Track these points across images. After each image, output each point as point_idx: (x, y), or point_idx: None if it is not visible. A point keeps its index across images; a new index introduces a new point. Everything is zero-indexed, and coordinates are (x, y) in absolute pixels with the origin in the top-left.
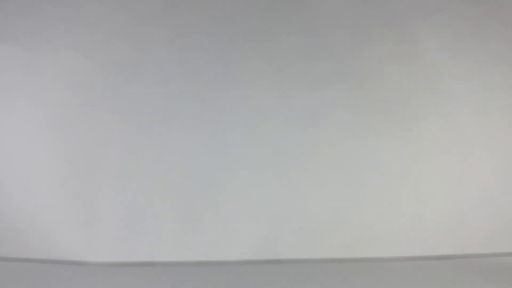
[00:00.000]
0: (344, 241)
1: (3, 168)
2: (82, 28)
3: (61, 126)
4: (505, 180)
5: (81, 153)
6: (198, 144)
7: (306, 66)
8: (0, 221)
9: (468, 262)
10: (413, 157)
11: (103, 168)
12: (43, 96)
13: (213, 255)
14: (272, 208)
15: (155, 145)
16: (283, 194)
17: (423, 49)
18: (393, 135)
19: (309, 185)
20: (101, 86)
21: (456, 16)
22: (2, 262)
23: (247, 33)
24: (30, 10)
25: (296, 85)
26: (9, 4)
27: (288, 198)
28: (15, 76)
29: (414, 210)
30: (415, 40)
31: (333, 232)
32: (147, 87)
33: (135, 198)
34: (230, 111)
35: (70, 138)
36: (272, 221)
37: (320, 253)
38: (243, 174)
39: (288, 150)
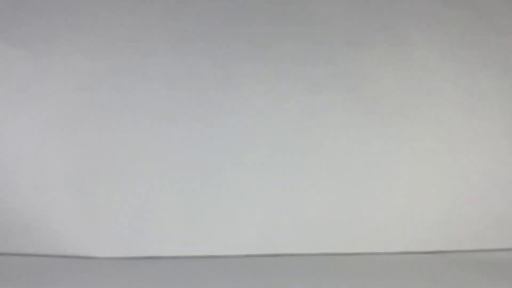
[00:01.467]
0: (339, 237)
1: (14, 167)
2: (90, 34)
3: (69, 127)
4: (495, 178)
5: (88, 152)
6: (200, 144)
7: (303, 70)
8: (10, 218)
9: (458, 257)
10: (406, 157)
11: (109, 167)
12: (52, 97)
13: (215, 250)
14: (271, 205)
15: (159, 144)
16: (281, 192)
17: (415, 53)
18: (386, 136)
19: (306, 184)
20: (108, 89)
21: (447, 22)
22: (12, 258)
23: (247, 39)
24: (39, 16)
25: (293, 88)
26: (19, 11)
27: (286, 196)
28: (25, 79)
29: (406, 207)
30: (408, 45)
31: (329, 228)
32: (152, 90)
33: (140, 195)
34: (231, 113)
35: (78, 138)
36: (271, 217)
37: (317, 248)
38: (243, 172)
39: (286, 150)
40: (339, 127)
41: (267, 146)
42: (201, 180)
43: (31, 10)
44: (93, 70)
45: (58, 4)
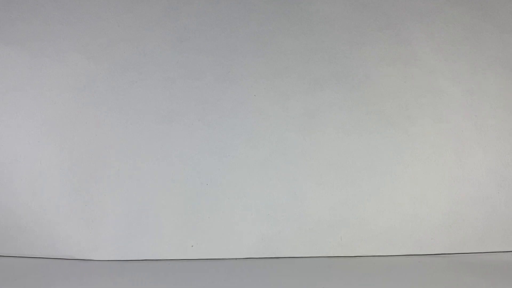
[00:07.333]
0: (341, 239)
1: (10, 168)
2: (87, 32)
3: (66, 127)
4: (499, 180)
5: (85, 153)
6: (199, 144)
7: (304, 69)
8: (7, 220)
9: (462, 259)
10: (409, 157)
11: (107, 168)
12: (49, 97)
13: (214, 253)
14: (271, 207)
15: (158, 145)
16: (281, 194)
17: (418, 52)
18: (389, 136)
19: (307, 185)
20: (105, 88)
21: (450, 20)
22: (9, 260)
23: (247, 37)
24: (35, 14)
25: (294, 87)
26: (14, 9)
27: (286, 197)
28: (21, 78)
29: (409, 209)
30: (410, 43)
31: (330, 230)
32: (149, 89)
33: (138, 197)
34: (230, 112)
35: (75, 138)
36: (271, 220)
37: (318, 251)
38: (243, 173)
39: (286, 150)
40: (341, 127)
41: (267, 147)
42: (199, 182)
43: (26, 8)
44: (90, 69)
45: (54, 2)
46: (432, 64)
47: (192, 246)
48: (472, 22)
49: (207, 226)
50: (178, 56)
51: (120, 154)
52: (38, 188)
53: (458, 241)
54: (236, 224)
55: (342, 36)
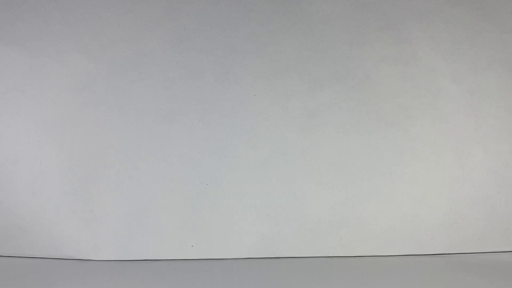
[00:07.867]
0: (341, 240)
1: (10, 168)
2: (87, 32)
3: (66, 127)
4: (499, 180)
5: (85, 153)
6: (199, 144)
7: (304, 69)
8: (7, 220)
9: (462, 259)
10: (409, 157)
11: (107, 168)
12: (49, 97)
13: (214, 253)
14: (271, 207)
15: (158, 145)
16: (281, 194)
17: (418, 52)
18: (389, 136)
19: (307, 185)
20: (105, 88)
21: (450, 20)
22: (9, 260)
23: (247, 37)
24: (35, 14)
25: (294, 86)
26: (14, 9)
27: (286, 197)
28: (21, 78)
29: (409, 209)
30: (410, 43)
31: (330, 230)
32: (149, 89)
33: (138, 197)
34: (230, 112)
35: (75, 138)
36: (271, 220)
37: (318, 251)
38: (243, 173)
39: (286, 150)
40: (341, 127)
41: (267, 147)
42: (199, 182)
43: (26, 8)
44: (90, 69)
45: (54, 2)
46: (432, 64)
47: (192, 246)
48: (472, 22)
49: (207, 226)
50: (178, 56)
51: (120, 154)
52: (38, 188)
53: (458, 241)
54: (236, 224)
55: (342, 36)
